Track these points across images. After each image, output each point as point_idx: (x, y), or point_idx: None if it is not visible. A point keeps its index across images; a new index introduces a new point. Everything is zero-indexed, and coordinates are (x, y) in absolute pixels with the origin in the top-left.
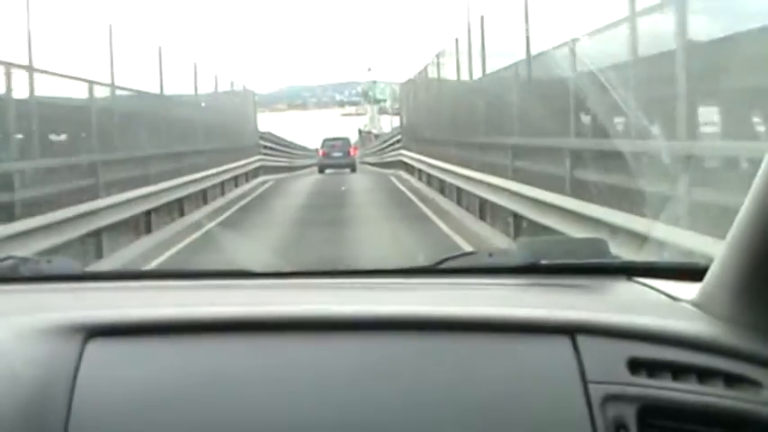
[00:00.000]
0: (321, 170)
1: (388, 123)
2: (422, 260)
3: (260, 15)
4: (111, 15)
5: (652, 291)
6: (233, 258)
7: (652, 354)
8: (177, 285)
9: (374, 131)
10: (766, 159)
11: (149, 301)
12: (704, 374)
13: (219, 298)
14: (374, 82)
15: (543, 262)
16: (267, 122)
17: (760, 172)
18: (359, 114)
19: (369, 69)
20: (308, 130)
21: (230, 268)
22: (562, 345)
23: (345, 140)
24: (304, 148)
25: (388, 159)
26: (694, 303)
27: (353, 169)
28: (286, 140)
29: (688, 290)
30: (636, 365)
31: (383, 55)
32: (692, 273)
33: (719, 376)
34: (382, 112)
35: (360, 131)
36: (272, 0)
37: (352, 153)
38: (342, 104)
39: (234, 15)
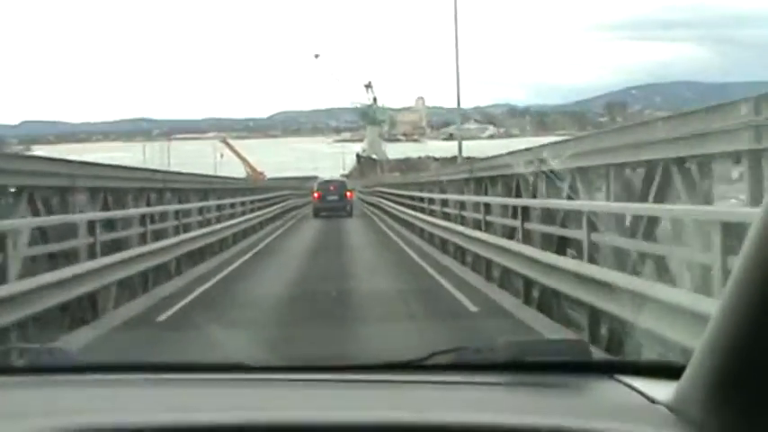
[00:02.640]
0: (316, 214)
1: (392, 149)
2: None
3: (257, 41)
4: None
5: (631, 391)
6: None
7: None
8: (172, 379)
9: (375, 157)
10: (738, 265)
11: (141, 402)
12: None
13: (213, 398)
14: (374, 100)
15: (528, 359)
16: (261, 150)
17: (732, 279)
18: (354, 141)
19: (368, 85)
20: (301, 157)
21: (223, 361)
22: None
23: (342, 183)
24: (297, 181)
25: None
26: (669, 406)
27: (350, 213)
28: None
29: (666, 389)
30: None
31: (381, 79)
32: (672, 371)
33: None
34: (391, 138)
35: (358, 157)
36: (268, 27)
37: (348, 196)
38: (337, 131)
39: (229, 41)
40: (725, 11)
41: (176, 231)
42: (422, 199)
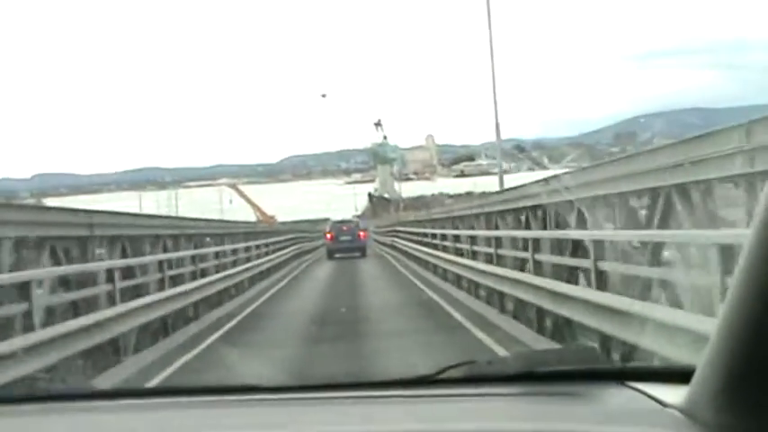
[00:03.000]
0: (330, 255)
1: (404, 188)
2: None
3: (264, 84)
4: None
5: (642, 396)
6: None
7: None
8: (185, 402)
9: (387, 196)
10: (741, 264)
11: (157, 426)
12: None
13: (228, 419)
14: (384, 138)
15: (539, 370)
16: (272, 194)
17: (736, 277)
18: (365, 181)
19: (378, 123)
20: (313, 199)
21: (235, 383)
22: None
23: (355, 223)
24: (309, 224)
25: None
26: (682, 410)
27: (364, 253)
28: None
29: (677, 393)
30: None
31: (390, 118)
32: (682, 375)
33: None
34: (402, 177)
35: (370, 196)
36: (274, 69)
37: (361, 237)
38: (348, 172)
39: (237, 87)
40: (733, 37)
41: (181, 279)
42: (435, 235)
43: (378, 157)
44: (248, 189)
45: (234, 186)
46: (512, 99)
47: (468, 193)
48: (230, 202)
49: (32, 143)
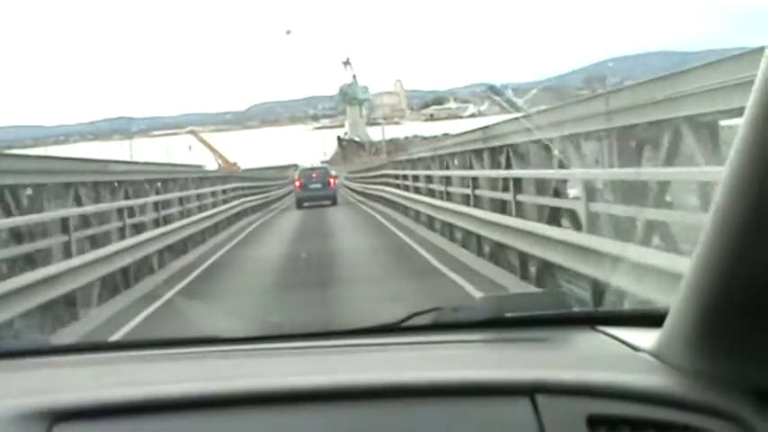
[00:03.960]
0: (299, 205)
1: (373, 133)
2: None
3: (231, 33)
4: None
5: (614, 341)
6: None
7: (611, 410)
8: (145, 356)
9: (358, 139)
10: (715, 203)
11: (115, 379)
12: (662, 428)
13: (189, 370)
14: (353, 78)
15: (508, 315)
16: (238, 141)
17: (710, 217)
18: (333, 127)
19: (346, 62)
20: (280, 146)
21: (198, 335)
22: (522, 406)
23: (324, 170)
24: (276, 170)
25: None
26: (653, 353)
27: (334, 202)
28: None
29: (649, 337)
30: (595, 422)
31: (356, 61)
32: (654, 319)
33: (677, 429)
34: (371, 122)
35: (340, 140)
36: (242, 16)
37: (332, 184)
38: (316, 118)
39: (202, 31)
40: None
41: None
42: (428, 179)
43: (347, 98)
44: (216, 137)
45: (194, 133)
46: (480, 42)
47: (445, 135)
48: (189, 148)
49: None
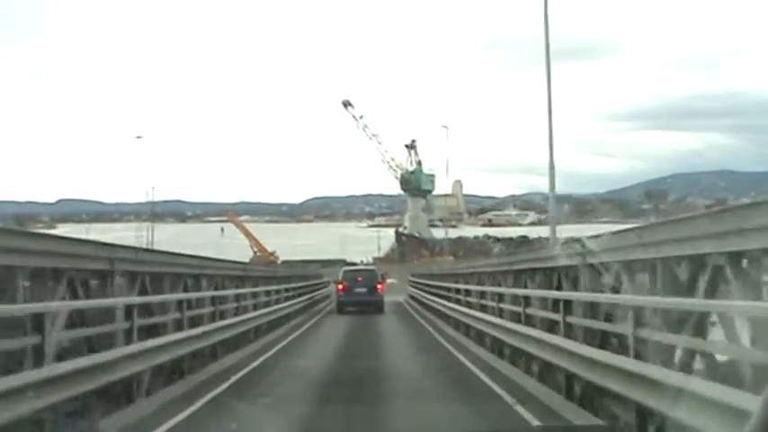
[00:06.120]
0: (340, 309)
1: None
2: None
3: (288, 129)
4: None
5: None
6: None
7: None
8: None
9: (417, 235)
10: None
11: None
12: None
13: None
14: (419, 164)
15: None
16: (289, 232)
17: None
18: (389, 226)
19: (410, 146)
20: (333, 240)
21: None
22: None
23: (372, 273)
24: (318, 265)
25: None
26: None
27: (380, 309)
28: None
29: None
30: None
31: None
32: None
33: None
34: (428, 224)
35: (398, 235)
36: (300, 114)
37: (379, 289)
38: (371, 216)
39: (262, 124)
40: (752, 99)
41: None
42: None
43: (409, 187)
44: (268, 227)
45: (230, 215)
46: (540, 154)
47: (523, 238)
48: (222, 230)
49: (58, 169)
